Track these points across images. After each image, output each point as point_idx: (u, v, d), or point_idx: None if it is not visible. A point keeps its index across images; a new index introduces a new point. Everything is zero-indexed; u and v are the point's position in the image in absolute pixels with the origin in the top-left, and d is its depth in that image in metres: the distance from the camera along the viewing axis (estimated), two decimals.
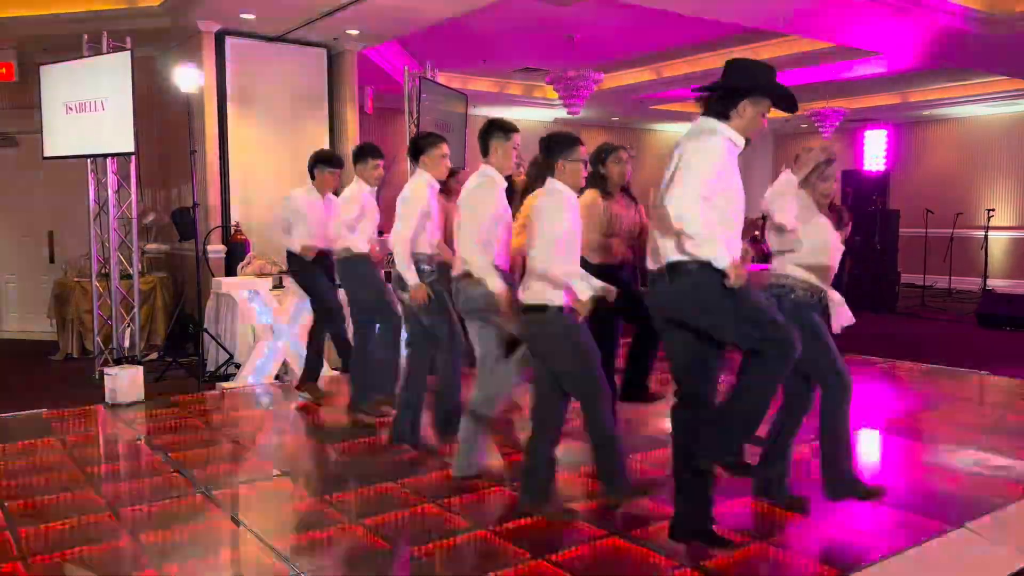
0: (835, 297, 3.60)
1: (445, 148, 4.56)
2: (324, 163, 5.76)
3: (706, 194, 2.97)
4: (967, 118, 14.25)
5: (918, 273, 12.95)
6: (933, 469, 4.32)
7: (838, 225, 3.65)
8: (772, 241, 3.64)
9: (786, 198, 3.43)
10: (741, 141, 3.12)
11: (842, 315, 3.58)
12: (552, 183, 3.61)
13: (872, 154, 15.37)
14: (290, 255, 5.74)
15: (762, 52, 10.17)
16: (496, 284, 3.80)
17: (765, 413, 3.14)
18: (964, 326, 9.90)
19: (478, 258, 3.85)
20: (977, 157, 14.17)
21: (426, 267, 4.46)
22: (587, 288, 3.47)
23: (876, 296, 11.01)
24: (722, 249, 2.97)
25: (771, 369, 3.09)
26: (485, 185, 3.97)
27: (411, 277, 4.35)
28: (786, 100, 3.15)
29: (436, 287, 4.46)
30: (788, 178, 3.48)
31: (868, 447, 4.87)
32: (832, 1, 7.13)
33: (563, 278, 3.46)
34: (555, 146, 3.60)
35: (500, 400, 4.07)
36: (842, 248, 3.67)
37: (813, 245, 3.54)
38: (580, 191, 3.77)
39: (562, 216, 3.51)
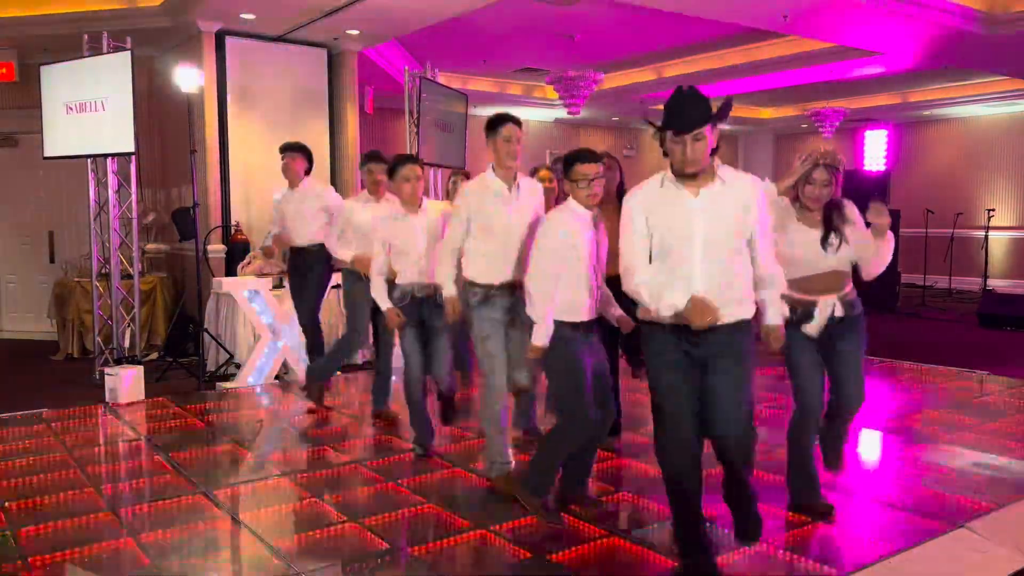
0: (820, 308, 3.46)
1: (406, 171, 4.37)
2: (281, 152, 5.70)
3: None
4: (967, 118, 14.25)
5: (918, 273, 12.95)
6: (933, 469, 4.32)
7: (827, 224, 3.46)
8: None
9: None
10: (675, 178, 2.94)
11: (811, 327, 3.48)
12: (567, 202, 3.58)
13: (872, 154, 15.37)
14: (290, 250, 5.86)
15: (762, 52, 10.18)
16: (447, 290, 3.98)
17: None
18: (964, 326, 9.90)
19: (440, 268, 4.01)
20: (977, 157, 14.17)
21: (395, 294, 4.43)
22: (543, 334, 3.49)
23: (876, 296, 10.98)
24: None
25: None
26: (473, 192, 3.96)
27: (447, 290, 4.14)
28: (670, 119, 2.89)
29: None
30: (773, 200, 3.44)
31: (868, 447, 4.87)
32: (832, 1, 7.13)
33: (536, 308, 3.50)
34: (563, 167, 3.55)
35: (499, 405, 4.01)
36: (842, 257, 3.47)
37: (792, 259, 3.40)
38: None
39: (549, 234, 3.49)
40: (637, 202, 3.00)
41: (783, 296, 3.28)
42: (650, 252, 2.99)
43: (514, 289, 3.83)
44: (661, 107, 3.00)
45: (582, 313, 3.52)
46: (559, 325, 3.49)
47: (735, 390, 2.97)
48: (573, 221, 3.48)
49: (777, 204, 3.46)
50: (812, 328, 3.47)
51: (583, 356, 3.52)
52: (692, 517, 3.09)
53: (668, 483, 3.09)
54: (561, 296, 3.48)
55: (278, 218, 5.85)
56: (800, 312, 3.48)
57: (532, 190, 3.99)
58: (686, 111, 2.86)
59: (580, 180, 3.46)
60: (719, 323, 2.88)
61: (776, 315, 3.11)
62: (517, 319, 3.80)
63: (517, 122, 3.91)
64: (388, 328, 4.70)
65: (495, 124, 3.89)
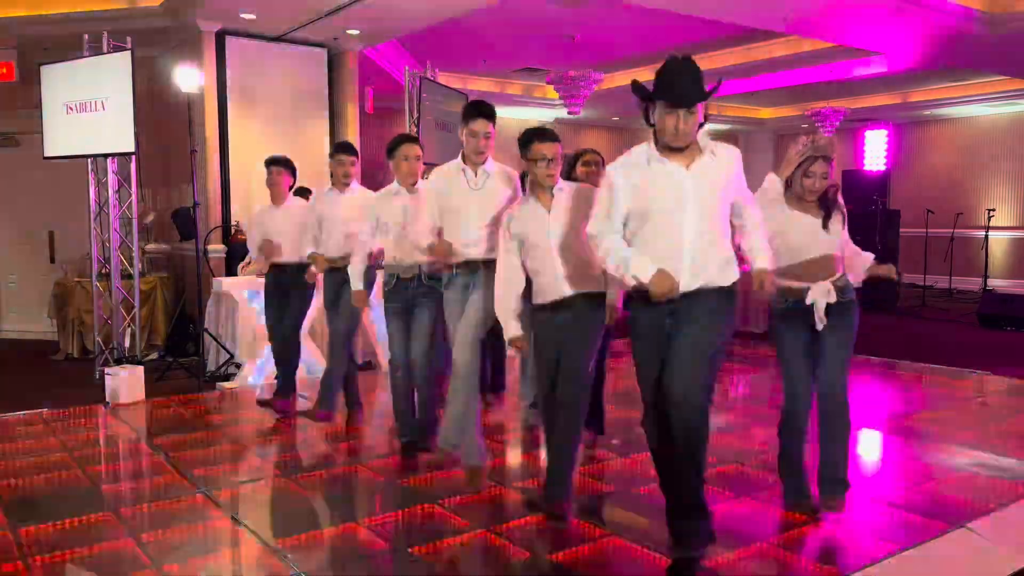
0: (815, 292, 3.40)
1: (405, 149, 4.40)
2: (266, 166, 5.45)
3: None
4: (967, 118, 14.25)
5: (919, 273, 12.95)
6: (933, 469, 4.32)
7: (824, 220, 3.44)
8: None
9: (772, 205, 3.39)
10: (660, 152, 2.97)
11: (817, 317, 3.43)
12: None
13: (872, 154, 15.38)
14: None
15: (762, 52, 10.19)
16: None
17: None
18: (964, 326, 9.90)
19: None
20: (977, 157, 14.17)
21: (385, 277, 4.45)
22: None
23: (876, 296, 11.00)
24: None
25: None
26: (438, 177, 4.04)
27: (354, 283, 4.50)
28: (665, 91, 2.90)
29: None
30: (772, 183, 3.44)
31: (868, 447, 4.87)
32: (832, 1, 7.14)
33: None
34: (519, 144, 3.55)
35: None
36: (835, 240, 3.45)
37: (786, 247, 3.39)
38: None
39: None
40: (623, 174, 3.00)
41: (779, 287, 3.34)
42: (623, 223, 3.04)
43: (474, 266, 3.88)
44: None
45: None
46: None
47: (693, 348, 2.95)
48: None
49: (765, 195, 3.45)
50: (817, 318, 3.40)
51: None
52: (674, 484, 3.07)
53: (652, 455, 3.13)
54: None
55: (257, 235, 5.52)
56: (791, 300, 3.44)
57: (501, 176, 3.96)
58: (684, 85, 2.87)
59: (539, 160, 3.47)
60: (704, 287, 2.95)
61: (767, 260, 3.08)
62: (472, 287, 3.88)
63: (489, 116, 3.87)
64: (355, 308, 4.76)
65: (466, 115, 3.88)
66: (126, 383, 5.91)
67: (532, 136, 3.49)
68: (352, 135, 8.58)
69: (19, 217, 9.00)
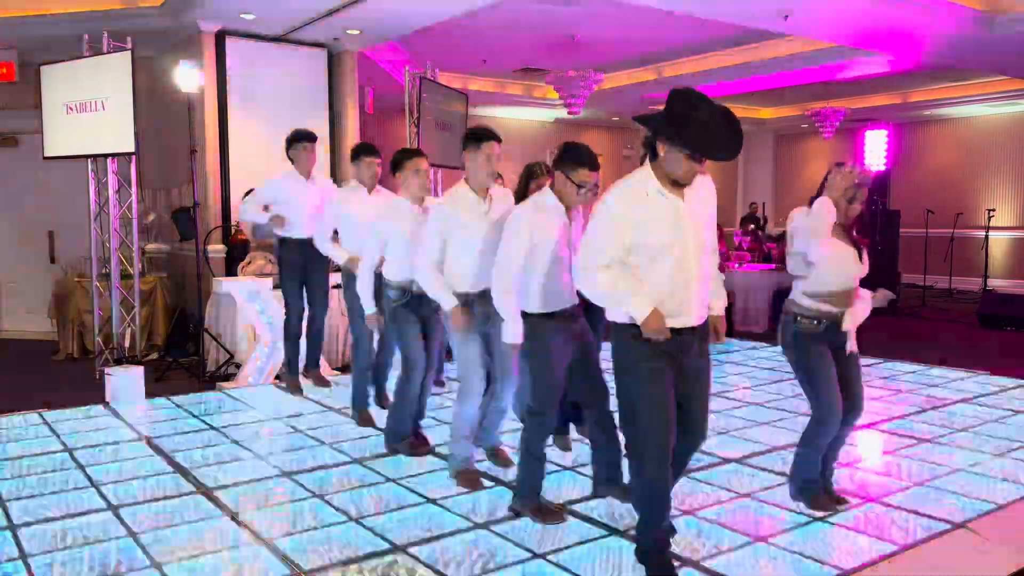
0: (848, 325, 3.54)
1: (417, 163, 4.37)
2: (295, 141, 5.64)
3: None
4: (967, 118, 14.26)
5: (919, 273, 12.96)
6: (932, 469, 4.32)
7: (858, 251, 3.59)
8: (789, 264, 3.65)
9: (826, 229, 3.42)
10: (661, 183, 2.87)
11: (851, 343, 3.61)
12: (541, 194, 3.55)
13: (872, 154, 15.36)
14: (280, 240, 5.78)
15: (762, 52, 10.19)
16: (448, 303, 3.85)
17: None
18: (964, 326, 9.90)
19: (432, 282, 3.90)
20: (977, 157, 14.18)
21: (391, 293, 4.40)
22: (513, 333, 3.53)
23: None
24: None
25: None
26: (448, 205, 3.90)
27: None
28: (693, 147, 2.80)
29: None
30: (830, 206, 3.42)
31: (868, 447, 4.87)
32: (832, 1, 7.14)
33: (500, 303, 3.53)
34: (559, 156, 3.51)
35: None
36: (863, 268, 3.60)
37: (827, 271, 3.49)
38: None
39: (515, 230, 3.46)
40: (626, 205, 2.89)
41: (809, 309, 3.51)
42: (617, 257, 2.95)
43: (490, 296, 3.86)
44: (662, 107, 2.95)
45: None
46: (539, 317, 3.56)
47: (708, 396, 3.12)
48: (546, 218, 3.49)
49: (824, 219, 3.43)
50: (851, 342, 3.58)
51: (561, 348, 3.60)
52: (665, 523, 3.11)
53: (647, 489, 3.04)
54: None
55: (267, 200, 5.63)
56: (826, 323, 3.53)
57: (502, 198, 3.98)
58: (732, 142, 2.87)
59: (583, 185, 3.42)
60: (698, 324, 2.96)
61: (722, 302, 3.18)
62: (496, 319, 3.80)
63: (499, 139, 3.90)
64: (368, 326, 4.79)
65: (478, 139, 3.85)
66: (126, 383, 5.91)
67: (585, 160, 3.42)
68: (352, 135, 8.58)
69: (19, 217, 9.00)
